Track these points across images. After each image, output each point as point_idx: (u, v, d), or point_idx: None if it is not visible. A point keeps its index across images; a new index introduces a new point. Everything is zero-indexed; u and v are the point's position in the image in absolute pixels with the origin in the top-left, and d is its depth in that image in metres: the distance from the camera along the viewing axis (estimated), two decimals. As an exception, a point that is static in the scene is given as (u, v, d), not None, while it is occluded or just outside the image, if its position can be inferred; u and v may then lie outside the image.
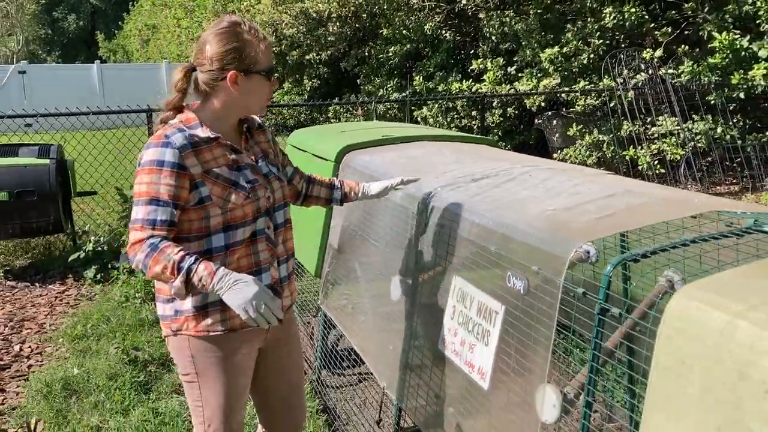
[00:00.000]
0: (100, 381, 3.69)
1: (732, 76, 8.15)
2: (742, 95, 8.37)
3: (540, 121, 10.32)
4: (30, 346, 4.33)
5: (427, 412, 2.50)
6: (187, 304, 1.92)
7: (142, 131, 7.94)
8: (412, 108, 10.77)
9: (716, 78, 8.41)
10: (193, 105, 1.97)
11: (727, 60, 8.18)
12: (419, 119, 10.55)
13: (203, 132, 1.89)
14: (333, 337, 3.80)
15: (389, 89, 11.11)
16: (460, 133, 4.21)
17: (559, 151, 9.68)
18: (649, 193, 2.23)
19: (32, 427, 3.28)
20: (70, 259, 5.56)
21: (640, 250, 1.71)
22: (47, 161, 5.54)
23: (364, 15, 11.33)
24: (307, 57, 11.93)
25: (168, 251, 1.75)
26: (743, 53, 8.13)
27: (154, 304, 4.65)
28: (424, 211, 2.57)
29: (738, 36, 8.19)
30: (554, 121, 10.20)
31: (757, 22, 8.09)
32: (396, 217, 2.85)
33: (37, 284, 5.56)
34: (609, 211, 2.03)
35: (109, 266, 5.50)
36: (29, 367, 4.05)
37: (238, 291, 1.73)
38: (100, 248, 5.61)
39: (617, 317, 1.65)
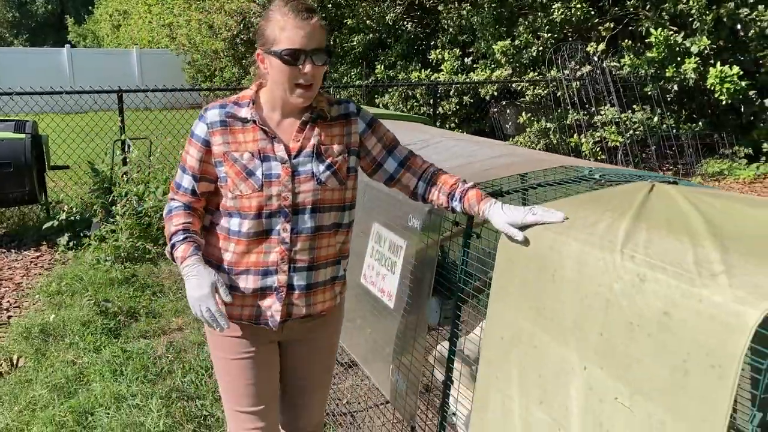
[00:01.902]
0: (75, 327, 4.14)
1: (667, 70, 8.81)
2: (675, 87, 9.04)
3: (495, 109, 10.91)
4: (8, 301, 4.76)
5: (353, 335, 3.02)
6: None
7: (108, 116, 8.37)
8: (375, 96, 11.29)
9: (652, 71, 9.06)
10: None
11: (662, 54, 8.82)
12: (380, 105, 11.05)
13: (245, 112, 1.84)
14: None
15: (353, 76, 11.60)
16: (398, 113, 4.74)
17: (511, 138, 10.28)
18: (526, 155, 2.78)
19: (14, 361, 3.75)
20: (44, 227, 5.96)
21: (494, 190, 2.25)
22: (23, 136, 5.93)
23: (330, 5, 11.78)
24: (275, 45, 12.33)
25: (174, 220, 1.85)
26: (677, 48, 8.78)
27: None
28: (352, 171, 3.09)
29: (673, 32, 8.84)
30: (508, 110, 10.80)
31: (690, 20, 8.74)
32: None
33: (12, 251, 5.95)
34: (489, 166, 2.57)
35: (81, 234, 5.91)
36: (9, 317, 4.48)
37: (190, 287, 1.76)
38: (72, 218, 6.03)
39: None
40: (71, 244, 5.90)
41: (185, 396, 3.34)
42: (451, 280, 2.34)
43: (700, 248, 1.52)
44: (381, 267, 2.75)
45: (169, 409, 3.18)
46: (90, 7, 36.95)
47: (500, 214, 1.85)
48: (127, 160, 6.63)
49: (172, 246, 1.83)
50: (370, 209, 2.97)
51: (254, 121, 1.83)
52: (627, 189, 2.08)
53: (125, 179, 6.22)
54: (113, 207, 5.84)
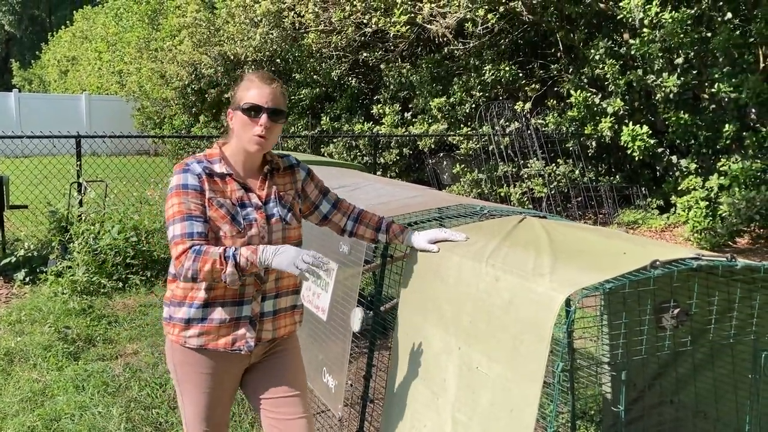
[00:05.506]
0: (37, 351, 4.52)
1: (586, 128, 9.75)
2: (594, 144, 9.97)
3: (433, 161, 11.70)
4: (-30, 330, 5.09)
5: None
6: (178, 313, 2.15)
7: (58, 160, 8.77)
8: (321, 145, 11.97)
9: (573, 129, 9.99)
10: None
11: (582, 114, 9.76)
12: (325, 155, 11.70)
13: (219, 167, 2.13)
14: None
15: (300, 127, 12.26)
16: (336, 160, 5.36)
17: (447, 187, 11.03)
18: (435, 196, 3.41)
19: (-17, 379, 4.10)
20: (1, 263, 6.28)
21: (408, 221, 2.85)
22: (-15, 177, 6.30)
23: (279, 60, 12.48)
24: (226, 95, 12.93)
25: (211, 250, 1.98)
26: (595, 108, 9.74)
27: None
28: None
29: (591, 94, 9.80)
30: (444, 162, 11.59)
31: (606, 83, 9.72)
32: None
33: (-31, 285, 6.25)
34: (404, 203, 3.18)
35: (38, 270, 6.26)
36: (-28, 344, 4.81)
37: (281, 255, 1.98)
38: (30, 254, 6.37)
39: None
40: (27, 279, 6.23)
41: (143, 406, 3.77)
42: (374, 296, 2.90)
43: (540, 259, 2.14)
44: (317, 288, 3.31)
45: (129, 416, 3.61)
46: (37, 52, 36.97)
47: (419, 237, 2.46)
48: (83, 201, 7.02)
49: (233, 257, 1.97)
50: (309, 242, 3.53)
51: (230, 175, 2.14)
52: (504, 220, 2.72)
53: (82, 219, 6.61)
54: (70, 245, 6.23)
